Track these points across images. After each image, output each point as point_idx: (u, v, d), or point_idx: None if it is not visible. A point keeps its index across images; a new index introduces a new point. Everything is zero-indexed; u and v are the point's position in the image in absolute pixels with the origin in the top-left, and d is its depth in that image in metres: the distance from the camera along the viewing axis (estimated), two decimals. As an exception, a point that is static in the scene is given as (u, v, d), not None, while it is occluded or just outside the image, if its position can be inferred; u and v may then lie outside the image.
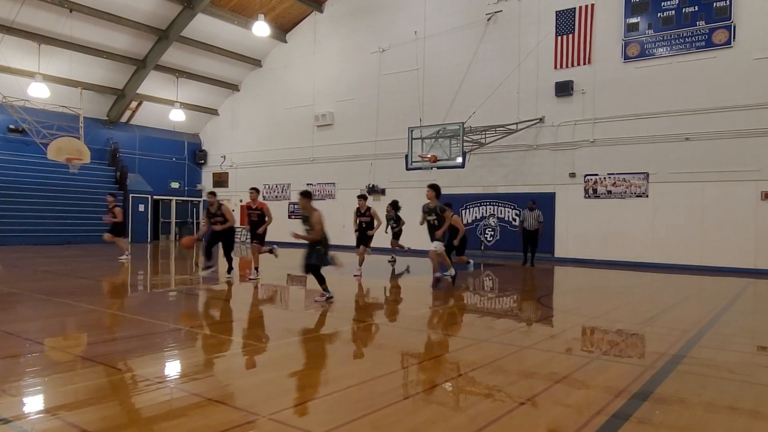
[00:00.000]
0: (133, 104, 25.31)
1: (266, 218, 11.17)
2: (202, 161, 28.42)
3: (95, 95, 23.71)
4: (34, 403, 3.70)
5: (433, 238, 9.84)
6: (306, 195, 8.23)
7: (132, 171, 25.19)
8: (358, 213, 12.30)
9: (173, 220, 27.53)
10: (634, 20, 16.15)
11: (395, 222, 15.12)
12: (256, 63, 25.90)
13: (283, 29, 24.40)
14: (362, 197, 12.44)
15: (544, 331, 6.67)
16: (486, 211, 18.88)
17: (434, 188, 9.93)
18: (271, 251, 11.74)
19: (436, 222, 9.81)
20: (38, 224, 20.82)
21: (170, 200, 27.29)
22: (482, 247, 18.84)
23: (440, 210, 9.83)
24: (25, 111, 20.36)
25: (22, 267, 12.79)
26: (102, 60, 22.42)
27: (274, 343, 5.60)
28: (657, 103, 15.74)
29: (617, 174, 16.39)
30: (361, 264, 11.99)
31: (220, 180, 27.79)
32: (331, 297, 8.04)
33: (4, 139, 21.75)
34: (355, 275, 11.36)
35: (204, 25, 22.41)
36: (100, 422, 3.27)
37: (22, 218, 20.46)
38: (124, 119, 25.72)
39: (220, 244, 10.80)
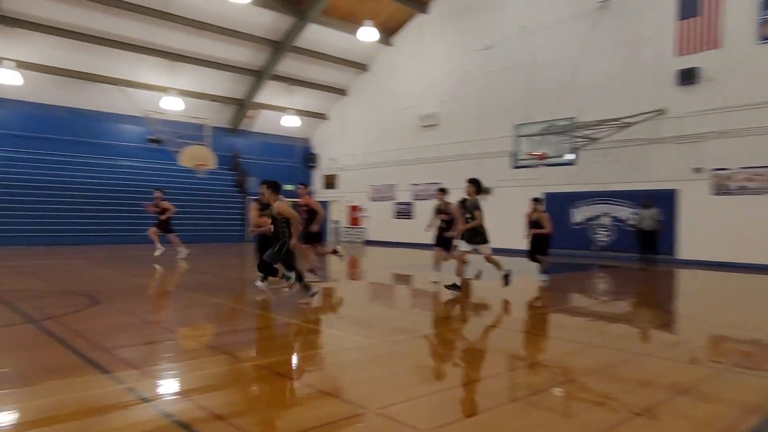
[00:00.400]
0: (252, 112, 27.08)
1: (317, 215, 9.85)
2: (313, 164, 29.71)
3: (219, 106, 25.70)
4: (168, 386, 4.12)
5: (464, 237, 8.96)
6: (271, 186, 7.29)
7: (250, 175, 26.92)
8: (438, 210, 10.78)
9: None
10: (771, -3, 14.55)
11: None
12: (363, 68, 26.62)
13: (388, 33, 24.85)
14: (441, 191, 10.97)
15: (664, 337, 6.24)
16: (599, 210, 17.94)
17: (474, 183, 9.18)
18: (335, 252, 10.93)
19: (469, 219, 8.95)
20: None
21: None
22: (596, 248, 17.92)
23: (473, 207, 9.00)
24: (160, 123, 22.55)
25: (158, 263, 14.15)
26: (225, 73, 24.27)
27: (382, 340, 5.75)
28: (801, 87, 14.07)
29: (753, 168, 14.84)
30: (439, 269, 10.29)
31: (330, 182, 28.89)
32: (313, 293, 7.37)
33: (144, 148, 24.20)
34: (450, 286, 9.14)
35: (314, 35, 23.43)
36: (225, 407, 3.57)
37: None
38: (243, 127, 27.58)
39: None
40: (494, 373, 4.55)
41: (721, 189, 15.36)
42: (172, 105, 22.53)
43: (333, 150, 28.69)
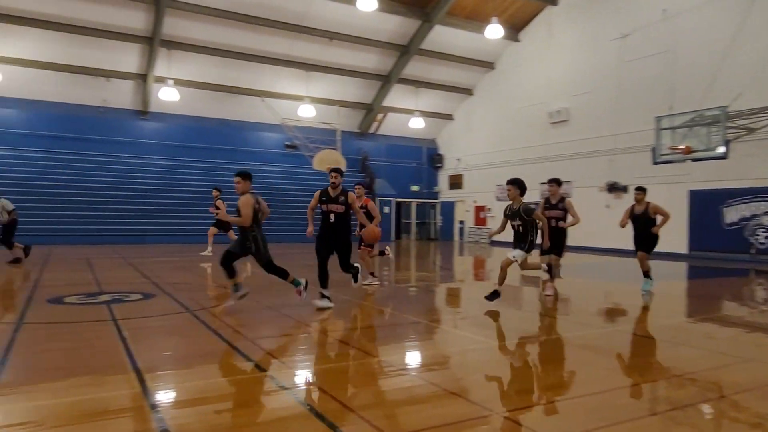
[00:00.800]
0: (379, 116, 27.90)
1: (374, 217, 9.16)
2: (439, 165, 29.84)
3: (349, 111, 26.82)
4: (303, 376, 4.41)
5: (516, 246, 7.78)
6: (242, 175, 7.07)
7: (378, 176, 27.73)
8: (547, 204, 9.17)
9: (413, 220, 29.56)
10: None
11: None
12: (489, 66, 26.22)
13: (515, 29, 24.24)
14: (554, 182, 9.13)
15: (840, 355, 5.43)
16: (757, 208, 16.00)
17: (517, 184, 7.77)
18: (382, 253, 10.03)
19: (521, 228, 7.74)
20: (304, 224, 24.24)
21: (410, 202, 29.31)
22: (753, 251, 16.02)
23: (526, 212, 7.68)
24: (296, 129, 24.08)
25: (294, 260, 15.10)
26: (354, 79, 25.30)
27: (508, 343, 5.66)
28: None
29: None
30: (552, 277, 8.78)
31: (455, 182, 28.83)
32: (244, 294, 7.09)
33: (282, 154, 25.99)
34: (547, 295, 8.60)
35: (440, 36, 23.54)
36: (354, 400, 3.76)
37: (288, 219, 24.09)
38: (371, 130, 28.49)
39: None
40: (630, 383, 4.29)
41: None
42: (307, 112, 24.05)
43: (458, 150, 28.61)
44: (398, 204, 28.29)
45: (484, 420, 3.38)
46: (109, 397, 3.65)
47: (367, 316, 7.36)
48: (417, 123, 26.92)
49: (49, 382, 3.99)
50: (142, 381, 3.94)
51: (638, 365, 5.00)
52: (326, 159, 23.15)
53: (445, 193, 29.72)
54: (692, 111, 15.45)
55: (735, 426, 3.39)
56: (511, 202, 7.94)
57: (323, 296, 7.15)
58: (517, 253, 7.67)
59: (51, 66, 20.57)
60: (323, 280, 7.20)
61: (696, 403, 3.81)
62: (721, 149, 14.36)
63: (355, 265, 7.66)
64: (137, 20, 20.12)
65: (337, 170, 7.39)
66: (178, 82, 22.05)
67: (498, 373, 4.54)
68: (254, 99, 24.36)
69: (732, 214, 16.57)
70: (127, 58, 21.47)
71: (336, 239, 7.35)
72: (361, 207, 8.87)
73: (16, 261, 12.42)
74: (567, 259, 13.99)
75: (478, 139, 27.24)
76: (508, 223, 8.02)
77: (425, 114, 27.40)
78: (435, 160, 29.92)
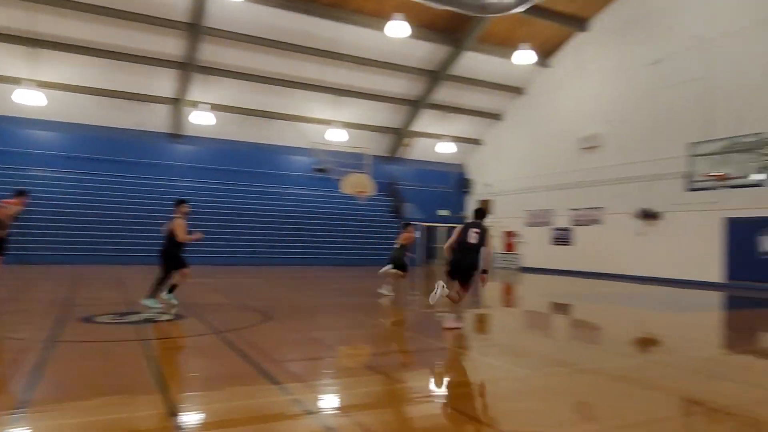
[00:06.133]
0: (408, 140, 28.05)
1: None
2: (468, 189, 29.74)
3: (378, 135, 27.07)
4: (329, 401, 4.39)
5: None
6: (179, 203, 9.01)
7: (407, 200, 27.77)
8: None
9: (442, 245, 29.41)
10: None
11: None
12: (519, 91, 26.22)
13: (545, 55, 24.25)
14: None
15: None
16: (799, 237, 15.46)
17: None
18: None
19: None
20: (333, 247, 24.44)
21: (438, 227, 29.20)
22: (796, 282, 15.44)
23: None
24: (325, 153, 24.38)
25: (319, 284, 15.17)
26: (384, 104, 25.57)
27: (538, 372, 5.55)
28: None
29: None
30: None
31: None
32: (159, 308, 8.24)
33: (310, 177, 26.32)
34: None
35: (469, 61, 23.68)
36: (380, 426, 3.72)
37: (315, 243, 24.25)
38: (400, 154, 28.65)
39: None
40: (666, 417, 4.14)
41: None
42: (336, 136, 24.34)
43: (488, 175, 28.51)
44: (428, 228, 28.22)
45: (512, 451, 3.30)
46: (135, 418, 3.70)
47: (394, 341, 7.31)
48: (446, 148, 26.96)
49: (77, 400, 4.07)
50: (168, 402, 3.98)
51: (672, 397, 4.83)
52: (355, 182, 23.36)
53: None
54: (728, 137, 15.14)
55: (777, 465, 3.24)
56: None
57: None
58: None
59: (90, 90, 21.35)
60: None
61: (735, 439, 3.65)
62: (759, 176, 13.99)
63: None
64: (173, 46, 20.81)
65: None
66: (214, 107, 22.68)
67: (529, 403, 4.43)
68: (285, 123, 24.82)
69: (770, 242, 16.04)
70: (162, 83, 22.17)
71: None
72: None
73: None
74: (592, 287, 13.70)
75: (507, 165, 27.13)
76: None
77: (454, 139, 27.45)
78: (464, 185, 29.85)
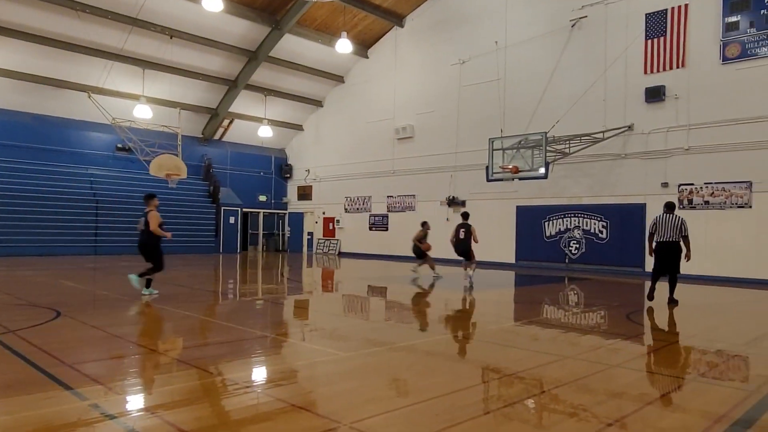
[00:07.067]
0: (225, 122, 26.82)
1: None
2: (288, 175, 29.55)
3: (192, 115, 25.36)
4: (135, 402, 4.00)
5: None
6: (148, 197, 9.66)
7: (224, 185, 26.61)
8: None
9: (260, 231, 28.84)
10: (733, 19, 15.09)
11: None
12: (339, 79, 26.67)
13: (365, 45, 24.98)
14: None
15: (634, 349, 6.33)
16: (570, 223, 18.22)
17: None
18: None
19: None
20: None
21: (258, 212, 28.58)
22: (567, 261, 18.18)
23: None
24: (130, 131, 22.13)
25: (125, 274, 13.83)
26: (198, 81, 24.00)
27: (356, 353, 5.70)
28: (761, 106, 14.56)
29: (716, 183, 15.29)
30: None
31: (304, 193, 28.75)
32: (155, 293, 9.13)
33: (113, 157, 23.78)
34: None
35: (290, 45, 23.40)
36: (194, 422, 3.48)
37: (125, 229, 22.15)
38: (217, 137, 27.29)
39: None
40: (469, 385, 4.54)
41: (686, 203, 15.76)
42: (143, 113, 22.08)
43: (308, 161, 28.60)
44: (245, 214, 27.41)
45: (332, 433, 3.33)
46: None
47: (209, 332, 6.94)
48: (265, 132, 26.33)
49: None
50: None
51: (475, 368, 5.34)
52: (165, 164, 21.62)
53: (294, 204, 29.50)
54: (519, 135, 17.16)
55: (555, 417, 3.75)
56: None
57: None
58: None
59: None
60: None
61: (524, 399, 4.15)
62: (542, 170, 16.12)
63: None
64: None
65: None
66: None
67: (347, 384, 4.53)
68: (80, 94, 21.89)
69: (551, 227, 18.66)
70: None
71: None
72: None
73: None
74: (406, 271, 14.56)
75: (327, 151, 27.49)
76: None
77: (274, 123, 26.97)
78: (284, 170, 29.56)
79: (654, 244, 9.78)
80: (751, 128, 14.69)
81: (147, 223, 9.27)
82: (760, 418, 3.74)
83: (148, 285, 9.32)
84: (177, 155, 22.40)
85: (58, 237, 20.42)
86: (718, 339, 6.88)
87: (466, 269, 12.59)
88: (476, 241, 12.67)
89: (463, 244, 12.45)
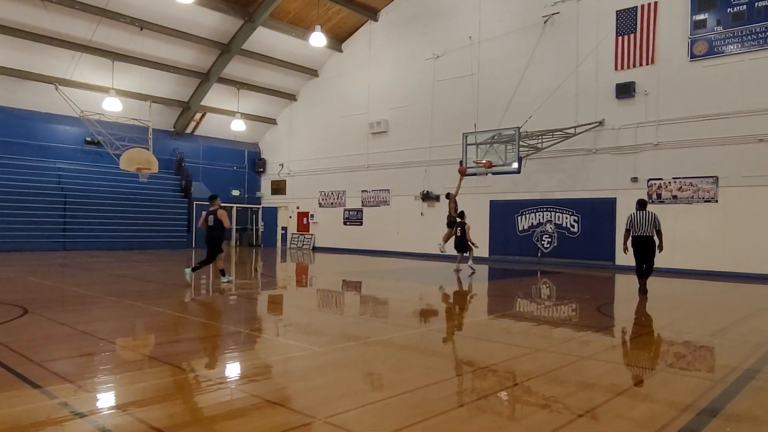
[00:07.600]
0: (198, 116, 26.40)
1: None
2: (261, 169, 29.26)
3: (163, 108, 24.89)
4: (106, 400, 3.93)
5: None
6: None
7: (196, 179, 26.22)
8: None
9: (234, 226, 28.47)
10: (701, 17, 15.45)
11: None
12: (313, 73, 26.47)
13: (339, 39, 24.84)
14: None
15: (604, 341, 6.46)
16: (543, 217, 18.47)
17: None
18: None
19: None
20: (109, 230, 22.02)
21: (231, 207, 28.23)
22: (539, 254, 18.44)
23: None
24: (99, 124, 21.62)
25: (97, 270, 13.55)
26: (169, 74, 23.55)
27: (331, 348, 5.70)
28: (727, 103, 14.97)
29: (683, 178, 15.68)
30: None
31: (278, 187, 28.52)
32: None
33: (81, 150, 23.20)
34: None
35: (263, 38, 23.12)
36: (166, 419, 3.43)
37: (94, 224, 21.70)
38: (189, 130, 26.85)
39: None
40: (443, 379, 4.58)
41: (655, 198, 16.12)
42: (113, 106, 21.56)
43: (281, 155, 28.36)
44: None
45: (307, 427, 3.33)
46: None
47: (181, 328, 6.85)
48: (238, 125, 26.00)
49: None
50: None
51: (448, 362, 5.39)
52: (135, 158, 21.20)
53: (268, 199, 29.25)
54: (493, 130, 17.31)
55: (528, 408, 3.81)
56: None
57: None
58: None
59: None
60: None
61: (496, 391, 4.21)
62: (515, 165, 16.29)
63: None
64: None
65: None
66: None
67: (322, 378, 4.52)
68: (47, 86, 21.29)
69: (524, 221, 18.88)
70: None
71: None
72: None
73: None
74: (380, 265, 14.61)
75: (301, 145, 27.29)
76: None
77: (247, 117, 26.65)
78: (257, 164, 29.26)
79: (630, 239, 10.31)
80: (718, 124, 15.09)
81: (216, 220, 10.90)
82: (724, 407, 3.85)
83: (223, 274, 11.08)
84: (148, 149, 21.98)
85: (26, 232, 19.89)
86: (685, 330, 7.06)
87: (458, 263, 14.73)
88: (469, 240, 14.64)
89: (460, 239, 14.62)
